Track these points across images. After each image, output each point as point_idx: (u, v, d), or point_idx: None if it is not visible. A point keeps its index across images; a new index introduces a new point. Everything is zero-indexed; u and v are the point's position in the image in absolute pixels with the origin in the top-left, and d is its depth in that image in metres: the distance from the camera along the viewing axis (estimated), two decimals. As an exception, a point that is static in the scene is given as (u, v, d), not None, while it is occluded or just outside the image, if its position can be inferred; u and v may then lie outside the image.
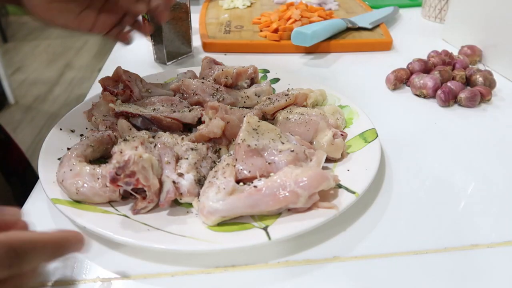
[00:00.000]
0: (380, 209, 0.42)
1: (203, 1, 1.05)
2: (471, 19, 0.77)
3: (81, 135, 0.50)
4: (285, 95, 0.54)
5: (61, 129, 0.50)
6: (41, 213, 0.41)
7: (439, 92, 0.62)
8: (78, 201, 0.40)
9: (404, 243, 0.38)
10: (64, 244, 0.30)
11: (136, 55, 0.79)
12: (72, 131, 0.50)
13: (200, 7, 0.99)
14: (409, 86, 0.67)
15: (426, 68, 0.69)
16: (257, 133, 0.43)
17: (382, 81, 0.68)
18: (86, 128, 0.51)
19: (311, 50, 0.79)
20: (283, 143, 0.43)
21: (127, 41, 0.58)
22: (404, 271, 0.36)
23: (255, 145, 0.42)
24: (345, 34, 0.84)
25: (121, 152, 0.37)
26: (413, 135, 0.55)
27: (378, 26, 0.88)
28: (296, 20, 0.82)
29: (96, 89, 0.65)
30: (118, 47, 0.82)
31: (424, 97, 0.64)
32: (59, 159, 0.44)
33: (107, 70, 0.72)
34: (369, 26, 0.86)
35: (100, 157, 0.46)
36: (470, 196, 0.44)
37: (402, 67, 0.69)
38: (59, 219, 0.40)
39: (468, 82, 0.67)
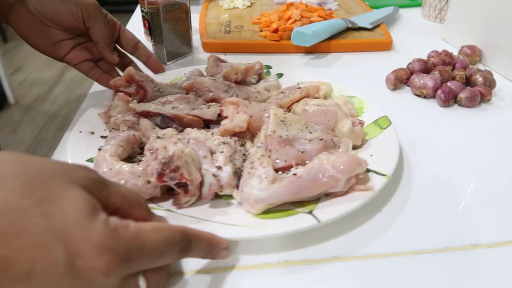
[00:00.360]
0: (380, 209, 0.42)
1: (203, 1, 1.05)
2: (471, 19, 0.77)
3: (102, 136, 0.49)
4: (298, 88, 0.55)
5: (80, 132, 0.49)
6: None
7: (439, 92, 0.62)
8: None
9: (404, 243, 0.38)
10: (217, 245, 0.33)
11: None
12: (92, 133, 0.50)
13: (200, 7, 0.99)
14: (409, 86, 0.67)
15: (426, 68, 0.69)
16: (285, 124, 0.44)
17: (382, 81, 0.68)
18: (105, 130, 0.51)
19: (311, 50, 0.79)
20: (310, 132, 0.44)
21: (105, 83, 0.61)
22: (404, 271, 0.36)
23: (286, 135, 0.43)
24: (345, 34, 0.84)
25: (165, 148, 0.38)
26: (413, 135, 0.55)
27: (378, 26, 0.88)
28: (296, 20, 0.82)
29: (96, 89, 0.65)
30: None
31: (424, 97, 0.64)
32: (87, 160, 0.44)
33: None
34: (369, 26, 0.86)
35: (127, 157, 0.46)
36: (470, 196, 0.44)
37: (402, 67, 0.69)
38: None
39: (468, 82, 0.67)
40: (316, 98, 0.55)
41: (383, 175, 0.42)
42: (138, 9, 0.99)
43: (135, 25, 0.92)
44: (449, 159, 0.50)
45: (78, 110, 0.60)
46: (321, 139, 0.43)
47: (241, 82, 0.59)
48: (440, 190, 0.45)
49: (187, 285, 0.34)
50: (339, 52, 0.80)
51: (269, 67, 0.67)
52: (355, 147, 0.48)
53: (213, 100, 0.54)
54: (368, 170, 0.43)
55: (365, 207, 0.40)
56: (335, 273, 0.35)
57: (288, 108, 0.54)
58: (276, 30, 0.81)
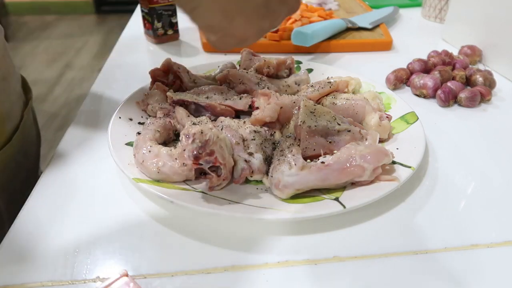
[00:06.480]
0: (379, 209, 0.42)
1: (203, 1, 1.05)
2: (471, 19, 0.77)
3: (140, 123, 0.52)
4: (328, 82, 0.57)
5: (120, 118, 0.51)
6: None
7: (439, 92, 0.62)
8: (157, 180, 0.42)
9: (404, 243, 0.38)
10: None
11: (136, 55, 0.79)
12: (130, 119, 0.52)
13: (200, 7, 0.99)
14: (409, 86, 0.67)
15: (426, 68, 0.69)
16: (314, 115, 0.46)
17: (382, 81, 0.68)
18: (142, 117, 0.53)
19: (311, 50, 0.79)
20: (339, 124, 0.46)
21: None
22: (404, 271, 0.36)
23: (315, 126, 0.45)
24: (345, 34, 0.84)
25: (201, 132, 0.40)
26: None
27: (378, 26, 0.88)
28: (296, 20, 0.82)
29: (96, 89, 0.65)
30: (118, 47, 0.82)
31: (424, 97, 0.64)
32: (126, 144, 0.47)
33: (107, 70, 0.72)
34: (369, 26, 0.86)
35: (163, 143, 0.48)
36: (470, 196, 0.44)
37: (402, 67, 0.69)
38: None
39: (468, 82, 0.67)
40: (345, 93, 0.57)
41: (409, 167, 0.43)
42: (138, 9, 0.99)
43: (135, 25, 0.92)
44: (449, 159, 0.50)
45: (78, 110, 0.60)
46: (349, 131, 0.45)
47: (273, 76, 0.61)
48: (439, 190, 0.45)
49: (187, 285, 0.34)
50: (339, 52, 0.80)
51: (299, 62, 0.68)
52: (381, 141, 0.49)
53: (245, 91, 0.57)
54: (393, 162, 0.44)
55: (364, 208, 0.40)
56: (335, 273, 0.35)
57: (318, 102, 0.55)
58: (276, 30, 0.81)
